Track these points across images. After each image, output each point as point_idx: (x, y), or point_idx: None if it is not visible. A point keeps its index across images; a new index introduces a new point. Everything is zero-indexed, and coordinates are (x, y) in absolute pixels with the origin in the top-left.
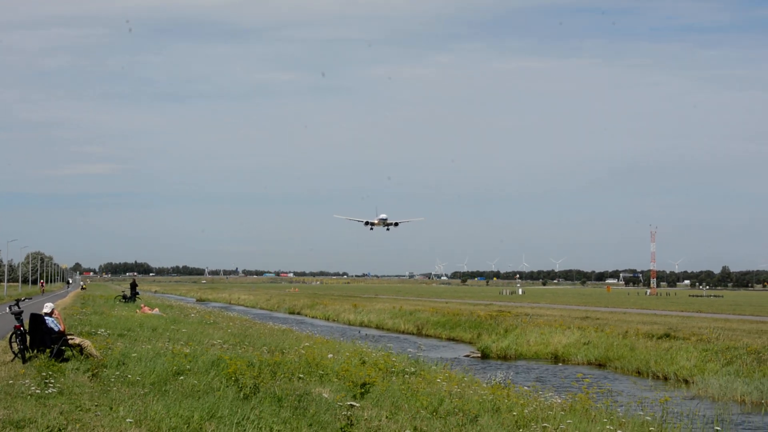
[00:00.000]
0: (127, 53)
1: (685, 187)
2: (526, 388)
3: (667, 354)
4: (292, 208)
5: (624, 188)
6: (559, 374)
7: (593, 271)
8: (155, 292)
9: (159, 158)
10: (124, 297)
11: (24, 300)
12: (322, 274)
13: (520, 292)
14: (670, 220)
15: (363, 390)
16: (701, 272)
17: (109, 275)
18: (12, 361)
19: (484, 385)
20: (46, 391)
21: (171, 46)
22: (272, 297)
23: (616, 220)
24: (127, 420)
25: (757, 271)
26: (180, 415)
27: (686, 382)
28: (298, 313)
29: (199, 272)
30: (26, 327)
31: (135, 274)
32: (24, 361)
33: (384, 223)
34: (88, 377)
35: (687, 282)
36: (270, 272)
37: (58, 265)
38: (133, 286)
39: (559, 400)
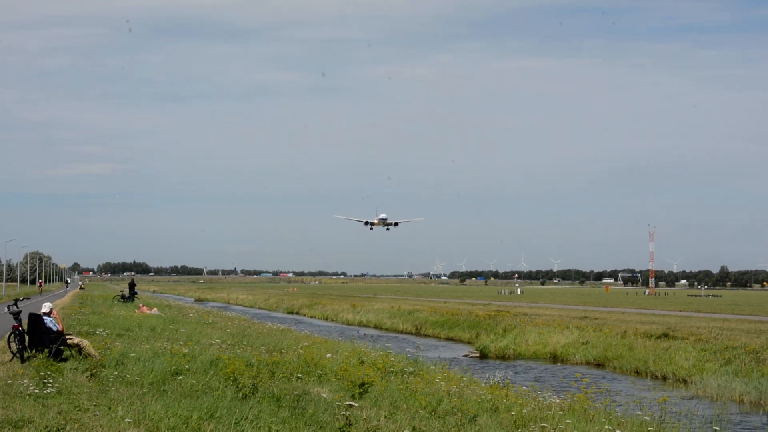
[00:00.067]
0: (127, 53)
1: (685, 187)
2: (524, 387)
3: (665, 354)
4: (291, 208)
5: (624, 188)
6: (558, 374)
7: (592, 271)
8: (154, 291)
9: (159, 158)
10: (123, 297)
11: (22, 300)
12: (321, 273)
13: (519, 292)
14: (670, 220)
15: (361, 390)
16: (699, 272)
17: (109, 275)
18: (10, 360)
19: (483, 385)
20: (45, 391)
21: (171, 46)
22: (271, 297)
23: (615, 220)
24: (126, 420)
25: (756, 270)
26: (178, 415)
27: (685, 381)
28: (297, 313)
29: (198, 272)
30: (25, 327)
31: (133, 273)
32: (22, 360)
33: (384, 223)
34: (87, 377)
35: (684, 282)
36: (267, 272)
37: (56, 265)
38: (132, 285)
39: (558, 400)
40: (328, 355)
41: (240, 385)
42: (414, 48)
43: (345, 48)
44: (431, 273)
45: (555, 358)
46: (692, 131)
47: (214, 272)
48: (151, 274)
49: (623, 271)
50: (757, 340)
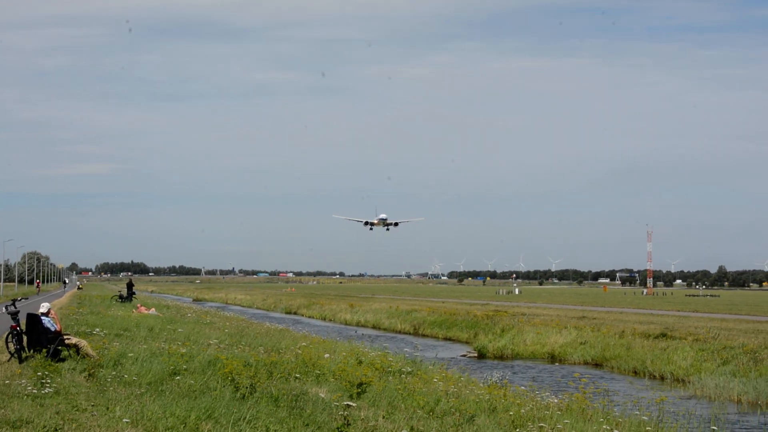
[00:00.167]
0: (127, 53)
1: (685, 187)
2: (522, 387)
3: (663, 354)
4: (291, 208)
5: (623, 188)
6: (556, 374)
7: (589, 271)
8: (152, 292)
9: (158, 158)
10: (121, 297)
11: (20, 300)
12: (319, 274)
13: (517, 292)
14: (670, 220)
15: (359, 390)
16: (697, 272)
17: (108, 275)
18: (8, 361)
19: (481, 385)
20: (43, 391)
21: (170, 46)
22: (269, 297)
23: (615, 220)
24: (124, 420)
25: (754, 270)
26: (176, 415)
27: (683, 381)
28: (295, 313)
29: (196, 272)
30: (23, 327)
31: (130, 274)
32: (20, 361)
33: (384, 223)
34: (85, 377)
35: (679, 281)
36: (264, 272)
37: (54, 265)
38: (130, 285)
39: (556, 400)
40: (326, 355)
41: (238, 385)
42: (413, 48)
43: (345, 48)
44: (429, 273)
45: (553, 358)
46: (692, 131)
47: (212, 272)
48: (150, 274)
49: (621, 271)
50: (754, 340)
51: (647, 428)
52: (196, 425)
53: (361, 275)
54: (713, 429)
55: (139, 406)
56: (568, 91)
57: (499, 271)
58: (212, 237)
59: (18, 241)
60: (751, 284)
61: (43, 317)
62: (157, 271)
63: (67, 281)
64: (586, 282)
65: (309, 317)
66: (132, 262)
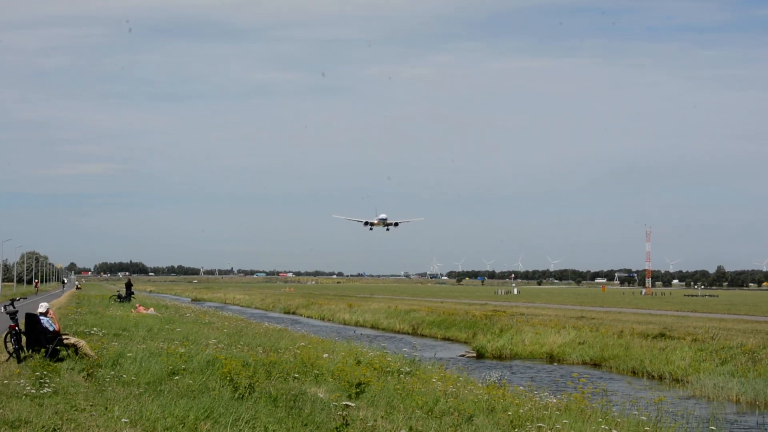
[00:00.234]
0: (127, 53)
1: (685, 187)
2: (521, 387)
3: (662, 354)
4: (291, 208)
5: (623, 188)
6: (555, 374)
7: (588, 271)
8: (150, 291)
9: (158, 158)
10: (120, 297)
11: (19, 300)
12: (318, 273)
13: (516, 292)
14: (670, 220)
15: (358, 390)
16: (696, 272)
17: (107, 275)
18: (7, 360)
19: (480, 385)
20: (41, 391)
21: (170, 46)
22: (267, 297)
23: (615, 220)
24: (122, 420)
25: (752, 270)
26: (175, 415)
27: (681, 381)
28: (294, 313)
29: (195, 272)
30: (21, 327)
31: (129, 274)
32: (19, 360)
33: (384, 223)
34: (83, 377)
35: (677, 281)
36: (262, 272)
37: (53, 265)
38: (129, 285)
39: (555, 400)
40: (325, 355)
41: (237, 385)
42: (413, 48)
43: (345, 48)
44: (428, 273)
45: (552, 358)
46: (692, 131)
47: (210, 272)
48: (150, 274)
49: (620, 271)
50: (753, 340)
51: (646, 428)
52: (195, 425)
53: (359, 275)
54: (712, 429)
55: (137, 406)
56: (568, 91)
57: (497, 271)
58: (212, 237)
59: (17, 240)
60: (749, 284)
61: (41, 317)
62: (156, 271)
63: (65, 281)
64: (584, 282)
65: (308, 317)
66: (131, 262)
